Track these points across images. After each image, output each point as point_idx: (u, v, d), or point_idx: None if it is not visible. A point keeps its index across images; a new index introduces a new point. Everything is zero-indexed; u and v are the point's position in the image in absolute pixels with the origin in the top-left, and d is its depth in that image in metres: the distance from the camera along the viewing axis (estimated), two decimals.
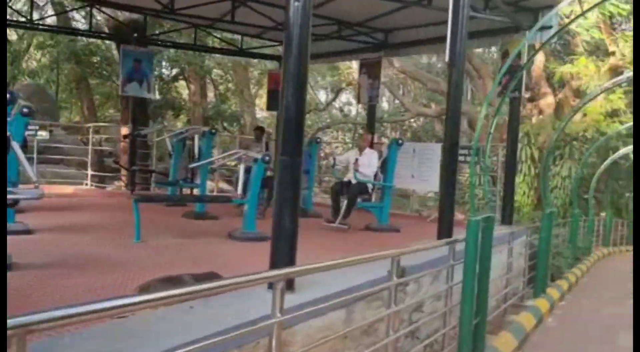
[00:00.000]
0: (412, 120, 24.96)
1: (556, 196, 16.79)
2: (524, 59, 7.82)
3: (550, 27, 7.83)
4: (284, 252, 3.27)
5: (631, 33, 11.77)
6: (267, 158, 5.84)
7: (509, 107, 8.26)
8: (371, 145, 7.65)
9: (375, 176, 7.34)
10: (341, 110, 30.35)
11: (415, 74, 19.38)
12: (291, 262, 3.25)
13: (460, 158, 8.57)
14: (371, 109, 10.35)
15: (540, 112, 18.35)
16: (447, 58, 5.43)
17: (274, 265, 3.27)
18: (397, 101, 27.01)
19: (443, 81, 19.96)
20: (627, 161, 25.48)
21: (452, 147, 5.65)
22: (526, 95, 20.18)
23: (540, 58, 17.43)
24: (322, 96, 29.36)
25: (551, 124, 16.75)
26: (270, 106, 12.00)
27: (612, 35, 12.57)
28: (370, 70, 9.80)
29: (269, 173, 8.45)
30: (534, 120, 17.89)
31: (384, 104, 32.22)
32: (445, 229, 5.63)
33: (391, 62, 20.68)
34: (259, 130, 9.47)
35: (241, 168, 5.76)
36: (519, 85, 7.78)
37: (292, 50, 3.31)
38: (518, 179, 16.94)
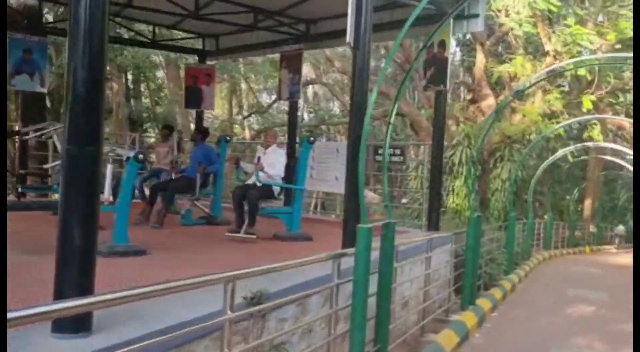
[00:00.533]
0: None
1: (497, 198, 16.46)
2: (449, 50, 7.17)
3: (477, 15, 7.23)
4: (71, 278, 2.35)
5: (565, 29, 11.49)
6: (140, 156, 4.88)
7: (434, 102, 7.61)
8: (293, 145, 6.82)
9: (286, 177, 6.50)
10: (285, 111, 29.54)
11: None
12: (84, 291, 2.34)
13: (393, 158, 7.87)
14: (293, 107, 9.52)
15: (482, 113, 18.05)
16: (347, 38, 4.65)
17: (59, 295, 2.36)
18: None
19: (385, 84, 19.42)
20: (567, 163, 25.81)
21: (355, 141, 4.87)
22: (468, 97, 19.94)
23: (480, 58, 17.14)
24: (268, 99, 28.49)
25: (494, 126, 16.41)
26: (188, 104, 11.01)
27: (545, 31, 12.24)
28: (291, 64, 8.97)
29: (173, 175, 7.49)
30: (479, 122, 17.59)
31: (335, 108, 31.63)
32: (349, 239, 4.83)
33: (332, 62, 20.03)
34: (167, 129, 8.49)
35: (108, 168, 4.80)
36: (443, 78, 7.12)
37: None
38: (459, 181, 16.54)
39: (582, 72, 12.46)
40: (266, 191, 6.23)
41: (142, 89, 22.20)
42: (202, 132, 7.60)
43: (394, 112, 4.05)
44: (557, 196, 25.19)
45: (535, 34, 12.89)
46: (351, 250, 3.55)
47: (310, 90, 28.35)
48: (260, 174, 6.13)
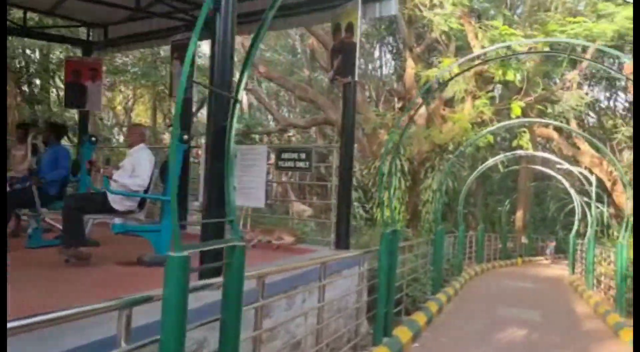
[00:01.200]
0: (292, 132, 23.25)
1: (428, 210, 15.65)
2: (358, 35, 6.09)
3: None
4: None
5: (492, 26, 10.81)
6: None
7: (342, 97, 6.50)
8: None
9: (149, 186, 5.12)
10: None
11: (281, 80, 17.58)
12: None
13: (288, 163, 6.68)
14: (186, 105, 8.13)
15: (414, 122, 17.29)
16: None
17: None
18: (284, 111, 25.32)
19: (312, 88, 18.38)
20: (498, 174, 25.69)
21: (216, 138, 3.64)
22: (399, 104, 19.23)
23: (411, 65, 16.42)
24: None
25: (423, 134, 15.66)
26: (69, 103, 9.40)
27: (472, 26, 11.55)
28: (184, 55, 7.63)
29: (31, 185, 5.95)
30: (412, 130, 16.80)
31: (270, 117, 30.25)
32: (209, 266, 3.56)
33: (256, 66, 18.77)
34: (22, 127, 6.92)
35: None
36: (351, 68, 6.02)
37: None
38: (389, 193, 15.62)
39: (510, 76, 11.83)
40: (95, 201, 4.81)
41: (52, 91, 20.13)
42: (55, 130, 6.09)
43: (241, 87, 2.83)
44: (489, 208, 24.96)
45: (462, 31, 12.19)
46: (157, 292, 2.25)
47: (245, 100, 26.99)
48: (109, 183, 4.73)
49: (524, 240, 24.77)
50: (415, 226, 16.53)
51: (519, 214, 26.56)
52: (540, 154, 15.93)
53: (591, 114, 34.25)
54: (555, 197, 35.49)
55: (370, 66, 23.40)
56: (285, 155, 6.87)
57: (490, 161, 13.34)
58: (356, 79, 6.01)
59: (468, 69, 10.56)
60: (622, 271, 8.40)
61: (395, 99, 18.92)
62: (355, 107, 6.47)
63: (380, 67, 24.45)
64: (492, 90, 14.62)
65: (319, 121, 18.75)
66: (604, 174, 21.04)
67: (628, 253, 8.50)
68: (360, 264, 5.41)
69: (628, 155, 23.03)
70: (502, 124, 11.08)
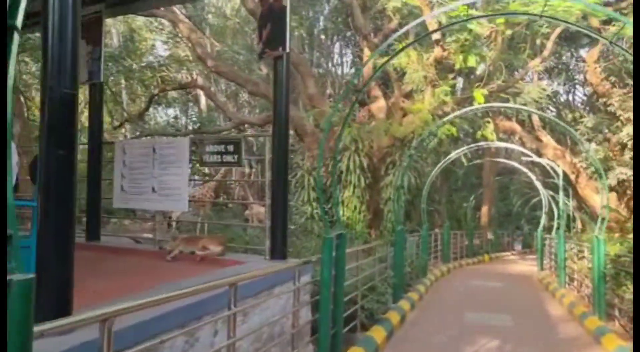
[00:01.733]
0: (249, 131, 22.00)
1: (390, 209, 14.71)
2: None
3: None
4: None
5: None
6: None
7: (273, 71, 5.39)
8: None
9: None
10: (167, 122, 26.65)
11: (231, 75, 16.36)
12: None
13: (214, 158, 5.55)
14: (93, 91, 6.87)
15: (373, 116, 16.35)
16: None
17: None
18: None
19: (264, 83, 17.23)
20: (463, 169, 25.07)
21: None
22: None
23: (367, 53, 15.45)
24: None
25: (382, 128, 14.70)
26: None
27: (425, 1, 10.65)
28: (89, 33, 6.40)
29: None
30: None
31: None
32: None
33: (204, 60, 17.48)
34: None
35: None
36: (282, 38, 4.92)
37: None
38: (348, 191, 14.63)
39: (471, 62, 11.00)
40: None
41: None
42: None
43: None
44: (454, 205, 24.31)
45: (416, 7, 11.28)
46: None
47: (203, 101, 25.65)
48: None
49: (490, 236, 24.19)
50: (377, 227, 15.58)
51: (484, 209, 26.04)
52: (504, 145, 15.23)
53: (551, 107, 34.20)
54: (519, 192, 35.27)
55: (330, 64, 22.47)
56: (210, 148, 5.73)
57: (454, 154, 12.47)
58: (287, 50, 4.91)
59: (424, 36, 9.62)
60: (599, 269, 7.56)
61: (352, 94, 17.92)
62: (289, 85, 5.37)
63: (341, 64, 23.57)
64: (454, 78, 13.78)
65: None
66: (567, 166, 20.61)
67: (606, 249, 7.69)
68: (297, 278, 4.32)
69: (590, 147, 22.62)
70: (464, 110, 10.20)
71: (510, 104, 14.47)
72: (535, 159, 16.13)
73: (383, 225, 14.88)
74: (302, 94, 15.81)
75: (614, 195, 20.24)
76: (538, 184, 16.60)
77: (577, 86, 29.10)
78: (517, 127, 23.97)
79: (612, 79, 18.54)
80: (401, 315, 8.01)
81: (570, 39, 22.94)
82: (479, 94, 10.97)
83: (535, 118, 24.24)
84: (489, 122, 12.77)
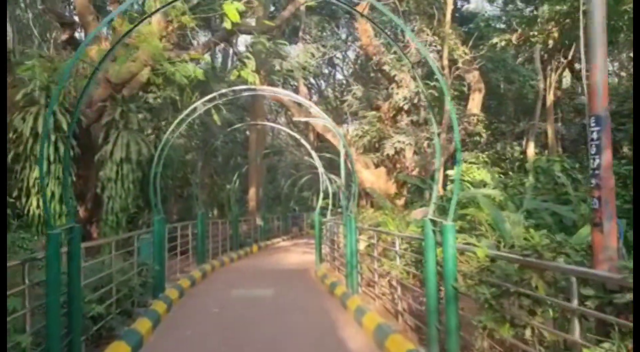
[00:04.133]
0: None
1: (112, 195, 9.80)
2: None
3: None
4: None
5: None
6: None
7: None
8: None
9: None
10: None
11: None
12: None
13: None
14: None
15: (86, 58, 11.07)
16: None
17: None
18: None
19: None
20: (223, 147, 21.25)
21: None
22: (65, 36, 12.68)
23: None
24: None
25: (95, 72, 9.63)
26: None
27: None
28: None
29: None
30: None
31: None
32: None
33: None
34: None
35: None
36: None
37: None
38: (36, 172, 9.29)
39: None
40: None
41: None
42: None
43: None
44: (217, 188, 20.26)
45: None
46: None
47: None
48: None
49: (259, 221, 20.84)
50: (97, 221, 10.55)
51: (252, 192, 22.54)
52: (271, 89, 11.64)
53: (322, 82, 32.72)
54: (286, 174, 33.27)
55: None
56: None
57: (199, 103, 8.12)
58: None
59: None
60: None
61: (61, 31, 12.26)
62: None
63: None
64: None
65: None
66: (336, 141, 18.44)
67: None
68: None
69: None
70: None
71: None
72: (310, 119, 13.03)
73: (103, 219, 9.93)
74: None
75: (383, 170, 18.82)
76: (318, 162, 13.59)
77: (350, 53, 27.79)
78: (284, 98, 21.13)
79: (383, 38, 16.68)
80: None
81: None
82: (232, 8, 6.87)
83: (302, 88, 21.73)
84: (249, 58, 8.83)
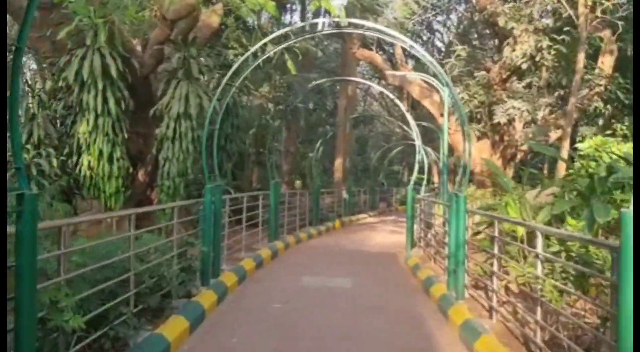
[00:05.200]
0: None
1: (167, 156, 8.36)
2: None
3: None
4: None
5: None
6: None
7: None
8: None
9: None
10: None
11: None
12: None
13: None
14: None
15: None
16: None
17: None
18: None
19: None
20: (310, 112, 19.47)
21: None
22: None
23: None
24: None
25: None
26: None
27: None
28: None
29: None
30: None
31: None
32: None
33: None
34: None
35: None
36: None
37: None
38: (86, 126, 8.03)
39: None
40: None
41: None
42: None
43: None
44: (299, 156, 18.67)
45: None
46: None
47: None
48: None
49: (344, 195, 19.05)
50: (142, 186, 9.30)
51: (338, 162, 20.63)
52: (357, 21, 9.46)
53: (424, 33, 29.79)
54: (376, 145, 31.07)
55: None
56: None
57: (267, 39, 6.23)
58: None
59: None
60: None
61: None
62: None
63: None
64: None
65: None
66: (434, 108, 16.09)
67: None
68: None
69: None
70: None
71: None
72: (409, 74, 10.91)
73: (159, 183, 8.57)
74: None
75: (487, 143, 16.23)
76: (415, 132, 11.49)
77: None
78: (377, 58, 18.94)
79: None
80: None
81: None
82: None
83: (398, 49, 19.32)
84: None
